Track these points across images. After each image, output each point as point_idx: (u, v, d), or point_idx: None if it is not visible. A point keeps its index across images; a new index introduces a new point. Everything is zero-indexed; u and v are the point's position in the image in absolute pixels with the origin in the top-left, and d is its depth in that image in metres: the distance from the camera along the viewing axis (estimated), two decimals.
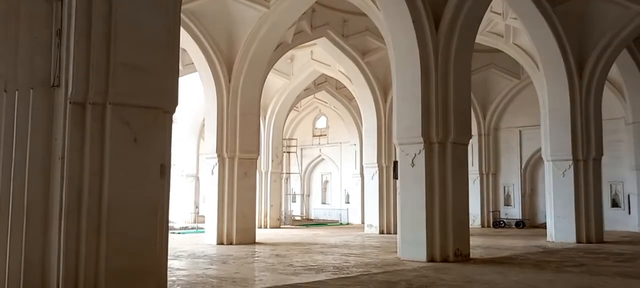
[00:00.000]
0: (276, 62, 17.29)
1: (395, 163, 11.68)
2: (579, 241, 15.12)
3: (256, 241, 15.52)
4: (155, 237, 6.04)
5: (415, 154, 10.97)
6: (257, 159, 15.93)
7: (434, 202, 10.79)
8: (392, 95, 11.78)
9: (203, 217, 17.97)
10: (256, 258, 11.73)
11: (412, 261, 10.61)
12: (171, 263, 10.56)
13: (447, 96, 11.04)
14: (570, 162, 15.39)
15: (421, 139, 10.87)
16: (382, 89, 19.97)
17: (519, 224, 23.40)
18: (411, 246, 10.90)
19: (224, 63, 15.26)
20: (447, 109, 11.02)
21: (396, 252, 11.77)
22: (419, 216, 10.78)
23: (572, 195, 15.31)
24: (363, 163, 21.93)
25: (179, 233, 20.10)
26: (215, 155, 15.16)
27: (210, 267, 10.11)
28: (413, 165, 10.99)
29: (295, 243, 15.62)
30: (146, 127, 5.97)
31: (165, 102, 6.22)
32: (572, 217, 15.27)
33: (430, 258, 10.61)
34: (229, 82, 15.31)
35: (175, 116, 6.39)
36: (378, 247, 14.32)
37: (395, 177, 11.62)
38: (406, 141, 11.13)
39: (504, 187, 24.60)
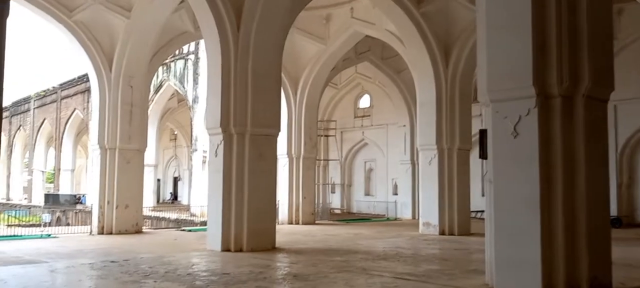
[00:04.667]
0: (303, 8, 13.02)
1: (483, 133, 7.29)
2: None
3: (276, 246, 11.45)
4: None
5: (519, 116, 6.55)
6: (277, 136, 11.78)
7: (555, 197, 6.35)
8: (478, 25, 7.36)
9: None
10: (260, 284, 7.57)
11: None
12: None
13: (576, 20, 6.52)
14: None
15: (532, 91, 6.43)
16: (442, 49, 15.54)
17: (615, 223, 18.49)
18: (514, 269, 6.51)
19: (230, 3, 11.14)
20: (576, 42, 6.53)
21: (480, 271, 7.52)
22: (529, 220, 6.38)
23: None
24: (417, 146, 17.49)
25: (190, 231, 16.42)
26: (219, 130, 11.11)
27: None
28: (516, 134, 6.59)
29: (328, 249, 11.46)
30: None
31: None
32: None
33: None
34: (237, 30, 11.20)
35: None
36: (446, 260, 9.98)
37: (483, 155, 7.23)
38: (504, 96, 6.72)
39: None
